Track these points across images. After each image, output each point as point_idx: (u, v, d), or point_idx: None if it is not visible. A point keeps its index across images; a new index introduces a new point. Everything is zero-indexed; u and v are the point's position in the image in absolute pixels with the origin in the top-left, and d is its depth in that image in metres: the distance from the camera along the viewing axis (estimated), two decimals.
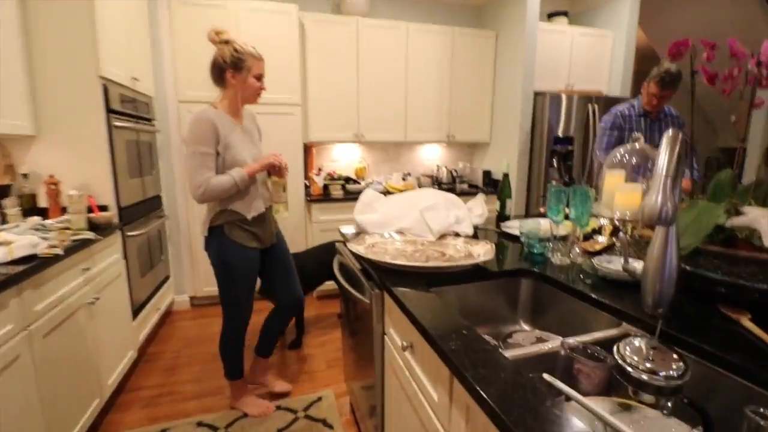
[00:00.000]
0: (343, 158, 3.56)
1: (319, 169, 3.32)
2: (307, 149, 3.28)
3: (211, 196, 1.54)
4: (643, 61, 4.35)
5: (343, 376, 2.08)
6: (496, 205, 1.88)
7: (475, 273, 1.08)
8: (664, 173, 0.60)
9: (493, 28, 3.55)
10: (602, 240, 1.43)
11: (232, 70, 1.57)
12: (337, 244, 1.63)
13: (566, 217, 1.26)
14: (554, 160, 3.32)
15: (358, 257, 1.26)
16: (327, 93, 3.10)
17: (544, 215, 1.93)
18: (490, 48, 3.52)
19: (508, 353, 0.70)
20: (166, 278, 2.74)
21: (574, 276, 1.07)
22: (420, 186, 3.55)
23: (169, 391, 2.01)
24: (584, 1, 3.82)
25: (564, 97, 3.24)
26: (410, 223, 1.39)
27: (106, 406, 1.82)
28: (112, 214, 1.94)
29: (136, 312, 2.16)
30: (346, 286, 1.24)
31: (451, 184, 3.60)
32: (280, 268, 1.85)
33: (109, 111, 1.98)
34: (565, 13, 3.58)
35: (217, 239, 1.63)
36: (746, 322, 0.76)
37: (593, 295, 0.93)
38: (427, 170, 3.79)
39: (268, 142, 2.91)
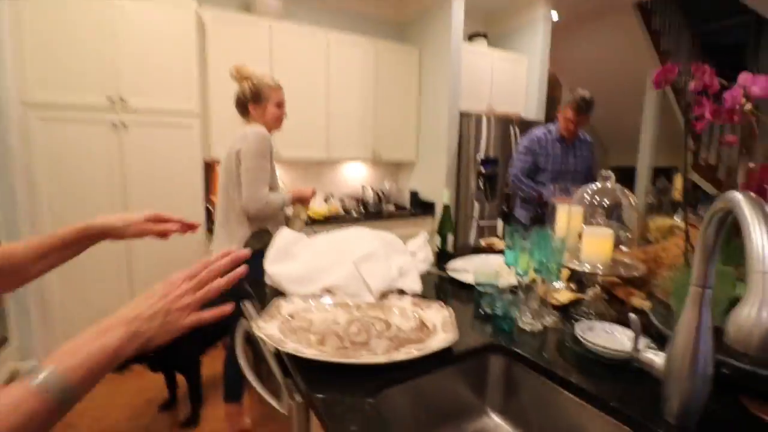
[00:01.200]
0: None
1: None
2: (210, 167, 2.77)
3: (266, 212, 1.57)
4: (550, 87, 4.65)
5: None
6: (435, 237, 1.65)
7: (432, 360, 0.80)
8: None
9: (415, 44, 3.43)
10: (559, 285, 1.26)
11: (253, 103, 1.70)
12: (243, 303, 1.22)
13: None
14: (480, 182, 3.27)
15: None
16: (233, 103, 2.65)
17: (486, 250, 1.75)
18: (414, 64, 3.39)
19: None
20: (3, 341, 2.02)
21: (551, 351, 0.85)
22: (345, 209, 3.23)
23: None
24: (501, 24, 3.91)
25: (485, 119, 3.22)
26: (342, 278, 1.07)
27: None
28: None
29: None
30: (255, 385, 0.86)
31: (378, 206, 3.35)
32: None
33: None
34: (484, 35, 3.61)
35: (256, 263, 1.39)
36: None
37: (587, 388, 0.70)
38: (351, 191, 3.49)
39: (157, 160, 2.37)
